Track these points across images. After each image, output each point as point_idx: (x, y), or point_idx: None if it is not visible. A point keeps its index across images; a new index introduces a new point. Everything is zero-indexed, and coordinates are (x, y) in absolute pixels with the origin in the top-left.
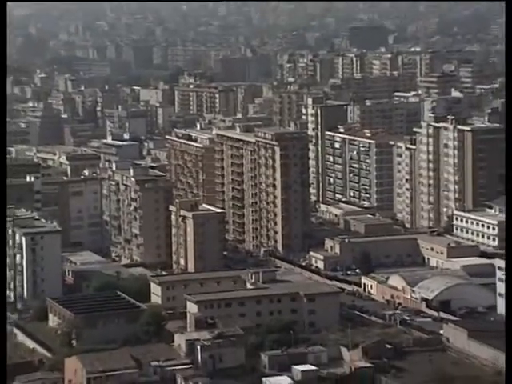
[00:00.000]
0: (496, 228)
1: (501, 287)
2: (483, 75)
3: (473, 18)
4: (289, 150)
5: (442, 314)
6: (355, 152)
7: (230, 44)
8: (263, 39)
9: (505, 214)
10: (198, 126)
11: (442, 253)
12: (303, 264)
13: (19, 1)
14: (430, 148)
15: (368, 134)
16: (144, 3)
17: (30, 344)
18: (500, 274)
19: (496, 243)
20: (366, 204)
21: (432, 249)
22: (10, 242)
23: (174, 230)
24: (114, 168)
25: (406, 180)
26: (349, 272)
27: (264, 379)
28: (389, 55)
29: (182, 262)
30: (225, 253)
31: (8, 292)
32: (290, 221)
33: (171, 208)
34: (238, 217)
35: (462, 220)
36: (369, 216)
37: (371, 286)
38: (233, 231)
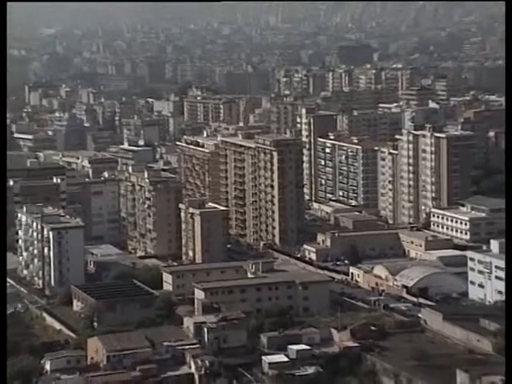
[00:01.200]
0: (468, 224)
1: (472, 276)
2: (456, 89)
3: (448, 38)
4: (285, 155)
5: (421, 300)
6: (344, 156)
7: (232, 61)
8: (262, 56)
9: (505, 214)
10: (205, 133)
11: (420, 245)
12: (298, 256)
13: (19, 1)
14: (410, 153)
15: (355, 141)
16: (156, 24)
17: (57, 326)
18: (471, 264)
19: (468, 237)
20: (353, 202)
21: (412, 242)
22: (39, 236)
23: (183, 226)
24: (130, 170)
25: (389, 181)
26: (338, 263)
27: (263, 357)
28: (373, 71)
29: (191, 253)
30: (228, 246)
31: (37, 280)
32: (286, 217)
33: (181, 206)
34: (240, 214)
35: (438, 217)
36: (356, 213)
37: (358, 275)
38: (235, 227)
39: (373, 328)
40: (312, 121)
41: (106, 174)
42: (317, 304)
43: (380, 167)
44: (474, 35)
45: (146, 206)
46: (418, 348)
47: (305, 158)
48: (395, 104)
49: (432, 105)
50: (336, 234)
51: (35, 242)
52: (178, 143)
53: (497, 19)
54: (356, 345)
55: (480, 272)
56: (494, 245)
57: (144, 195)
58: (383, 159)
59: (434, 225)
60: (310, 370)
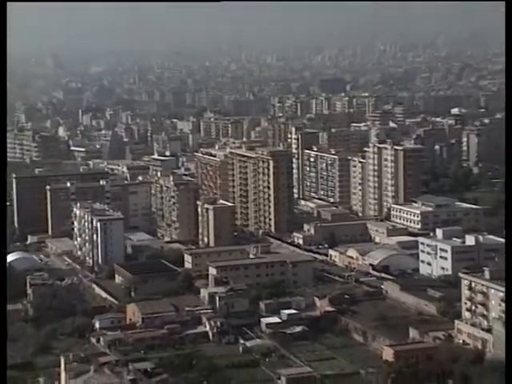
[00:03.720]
0: (419, 216)
1: (422, 256)
2: (410, 112)
3: (403, 74)
4: (279, 163)
5: (383, 275)
6: (324, 164)
7: (238, 90)
8: (261, 87)
9: (505, 215)
10: (216, 146)
11: (383, 233)
12: (288, 241)
13: (20, 0)
14: (375, 161)
15: (333, 152)
16: (179, 62)
17: (103, 294)
18: (422, 247)
19: (419, 226)
20: (331, 200)
21: (376, 230)
22: (90, 226)
23: (199, 218)
24: (159, 175)
25: (359, 183)
26: (320, 246)
27: (262, 319)
28: (347, 98)
29: (206, 239)
30: (235, 233)
31: (88, 259)
32: (280, 211)
33: (198, 202)
34: (244, 209)
35: (396, 210)
36: (333, 208)
37: (335, 256)
38: (240, 219)
39: (346, 296)
40: (300, 136)
41: (140, 178)
42: (303, 278)
43: (352, 172)
44: (423, 72)
45: (171, 202)
46: (381, 312)
47: (294, 166)
48: (364, 124)
49: (392, 124)
50: (318, 224)
51: (86, 230)
52: (195, 154)
53: (440, 60)
54: (333, 309)
55: (428, 253)
56: (439, 232)
57: (169, 194)
58: (354, 166)
59: (393, 217)
60: (298, 329)
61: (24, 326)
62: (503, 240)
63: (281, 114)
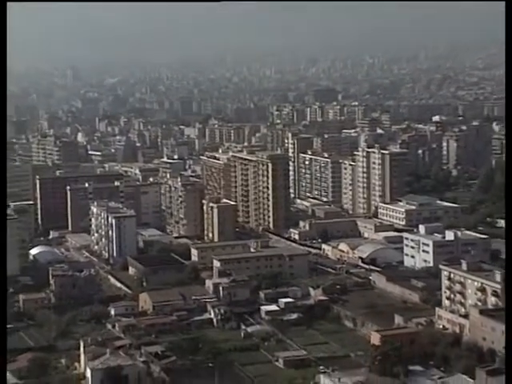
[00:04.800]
0: (404, 213)
1: (406, 250)
2: (396, 120)
3: (390, 85)
4: (277, 165)
5: (371, 267)
6: (318, 167)
7: (240, 99)
8: (261, 97)
9: (505, 215)
10: (220, 150)
11: (371, 229)
12: (286, 236)
13: (20, 1)
14: (364, 164)
15: (326, 156)
16: (187, 74)
17: (118, 284)
18: (406, 242)
19: (404, 223)
20: (324, 199)
21: (365, 226)
22: (105, 222)
23: (205, 215)
24: (168, 176)
25: (349, 184)
26: (314, 241)
27: (261, 307)
28: (338, 107)
29: (210, 235)
30: (237, 230)
31: (104, 253)
32: (278, 209)
33: (203, 201)
34: (245, 207)
35: (383, 209)
36: (326, 206)
37: (328, 249)
38: (241, 216)
39: (338, 286)
40: (296, 142)
41: (151, 179)
42: (299, 270)
43: (343, 174)
44: (407, 82)
45: (179, 201)
46: (369, 300)
47: (291, 168)
48: (354, 130)
49: (379, 131)
50: (312, 221)
51: (102, 227)
52: (201, 157)
53: (422, 72)
54: (326, 298)
55: (412, 247)
56: (422, 228)
57: (177, 194)
58: (345, 168)
59: (380, 214)
60: (294, 316)
61: (47, 313)
62: (479, 235)
63: (278, 121)
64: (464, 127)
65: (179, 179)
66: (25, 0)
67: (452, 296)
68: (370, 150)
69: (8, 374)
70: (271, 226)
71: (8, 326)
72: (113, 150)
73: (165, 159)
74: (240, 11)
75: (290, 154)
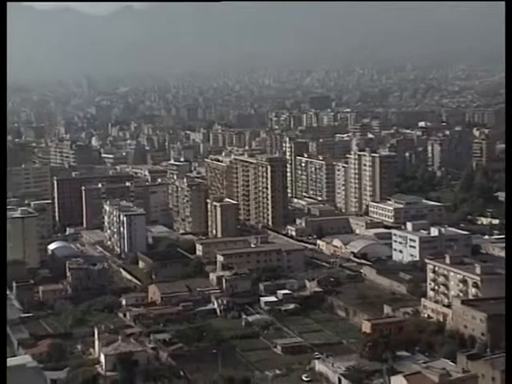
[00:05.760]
0: (392, 212)
1: (395, 245)
2: (385, 125)
3: (379, 93)
4: (275, 167)
5: (362, 261)
6: (313, 168)
7: (241, 106)
8: (260, 104)
9: (505, 214)
10: (223, 153)
11: (362, 226)
12: (283, 233)
13: (20, 1)
14: (356, 166)
15: (321, 158)
16: (193, 83)
17: (129, 277)
18: (394, 238)
19: (392, 220)
20: (319, 198)
21: (357, 224)
22: (117, 220)
23: (209, 214)
24: (175, 178)
25: (342, 185)
26: (309, 237)
27: (261, 298)
28: (332, 113)
29: (214, 231)
30: (238, 226)
31: (116, 248)
32: (276, 208)
33: (208, 201)
34: (246, 206)
35: (373, 207)
36: (321, 205)
37: (322, 245)
38: (243, 214)
39: (331, 279)
40: (293, 145)
41: (159, 180)
42: (296, 264)
43: (336, 175)
44: (395, 91)
45: (185, 200)
46: (360, 292)
47: (288, 170)
48: (346, 135)
49: (369, 135)
50: (308, 219)
51: (115, 224)
52: (205, 160)
53: (409, 82)
54: (321, 290)
55: (400, 243)
56: (409, 225)
57: (184, 194)
58: (338, 170)
59: (371, 213)
60: (291, 306)
61: (64, 303)
62: (461, 232)
63: (277, 127)
64: (447, 132)
65: (185, 180)
66: (25, 0)
67: (436, 287)
68: (361, 153)
69: (29, 357)
70: (270, 223)
71: (29, 314)
72: (124, 153)
73: (172, 162)
74: (241, 18)
75: (288, 157)
